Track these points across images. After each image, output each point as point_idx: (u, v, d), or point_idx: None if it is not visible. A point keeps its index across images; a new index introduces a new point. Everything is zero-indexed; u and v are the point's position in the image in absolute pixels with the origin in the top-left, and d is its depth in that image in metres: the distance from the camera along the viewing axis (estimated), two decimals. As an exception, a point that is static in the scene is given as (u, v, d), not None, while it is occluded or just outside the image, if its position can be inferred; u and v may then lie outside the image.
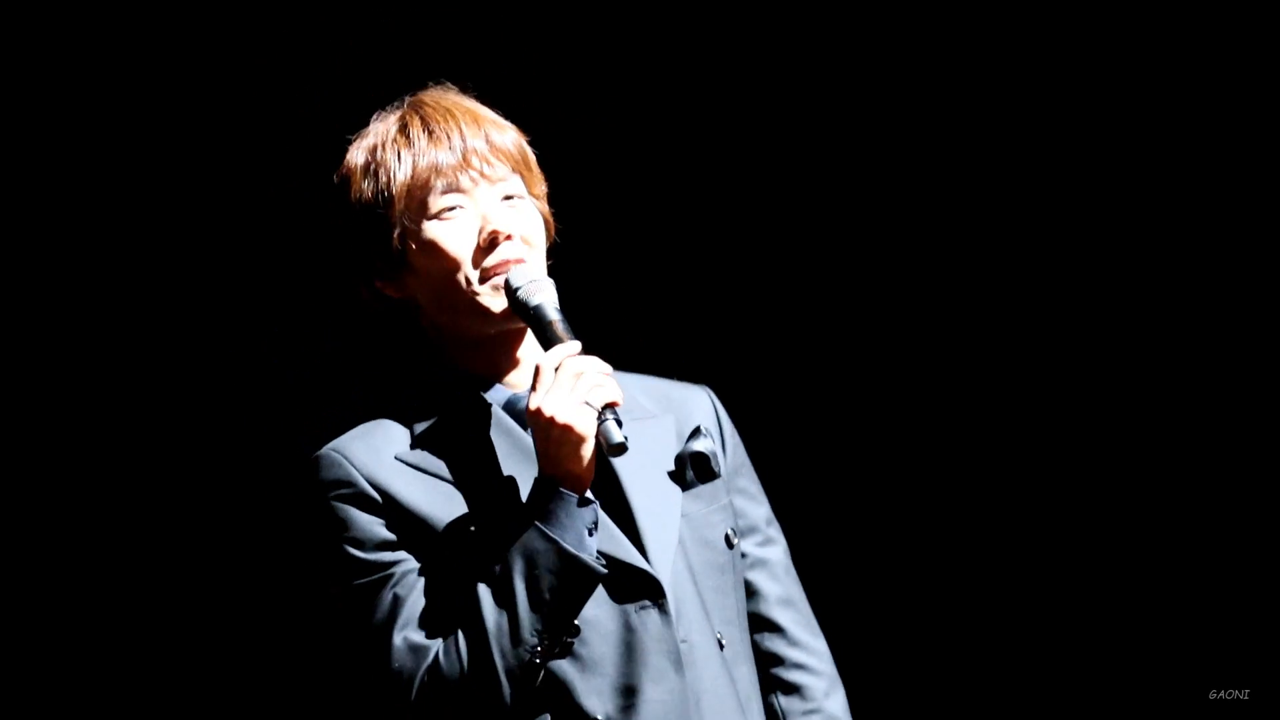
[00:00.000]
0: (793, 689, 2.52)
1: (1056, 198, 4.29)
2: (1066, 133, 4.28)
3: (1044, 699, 4.24)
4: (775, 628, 2.53)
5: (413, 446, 2.38)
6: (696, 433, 2.48)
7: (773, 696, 2.51)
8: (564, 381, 2.28)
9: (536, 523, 2.27)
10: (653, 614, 2.34)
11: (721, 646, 2.41)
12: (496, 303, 2.39)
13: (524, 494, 2.34)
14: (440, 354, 2.45)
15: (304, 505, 2.40)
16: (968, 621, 4.28)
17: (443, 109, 2.45)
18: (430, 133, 2.42)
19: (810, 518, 4.13)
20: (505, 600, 2.25)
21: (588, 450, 2.28)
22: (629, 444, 2.27)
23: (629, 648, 2.32)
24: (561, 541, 2.26)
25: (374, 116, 2.50)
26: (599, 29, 4.17)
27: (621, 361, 2.45)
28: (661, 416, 2.50)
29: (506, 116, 2.52)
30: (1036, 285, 4.30)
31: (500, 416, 2.40)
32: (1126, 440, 4.26)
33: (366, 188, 2.43)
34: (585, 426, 2.27)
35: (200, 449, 4.03)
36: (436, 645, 2.28)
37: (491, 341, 2.43)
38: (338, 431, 2.46)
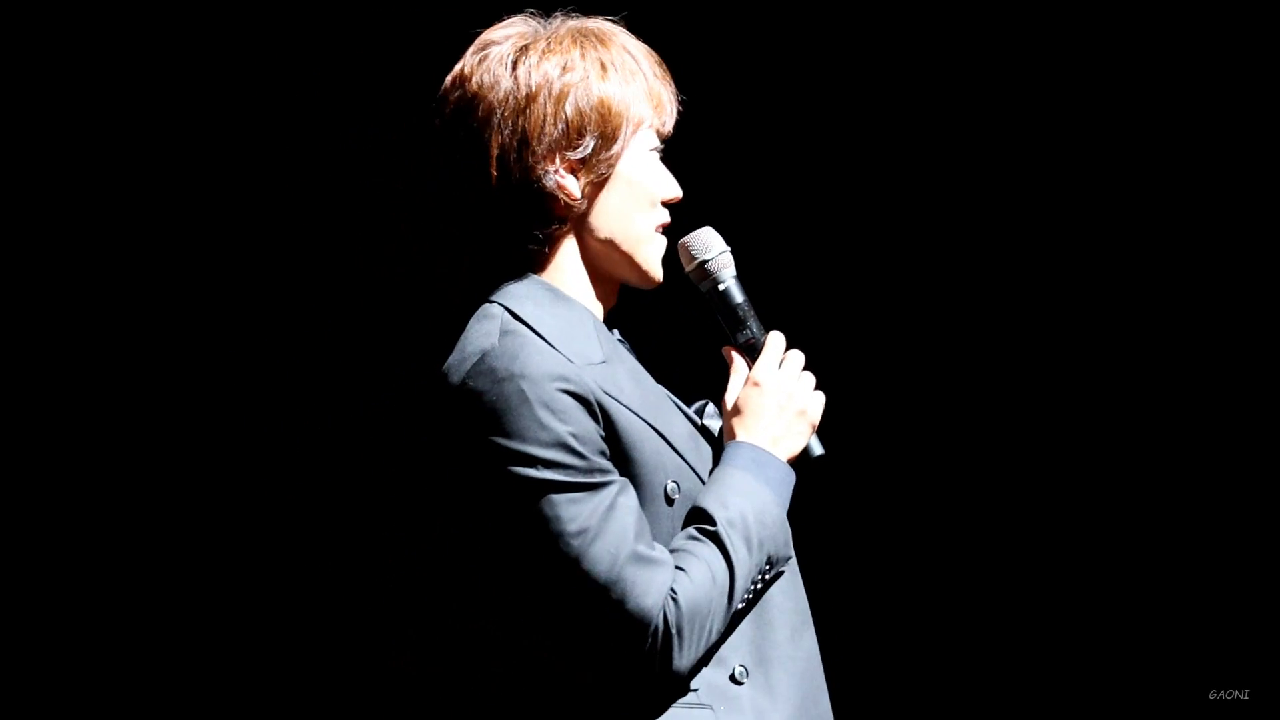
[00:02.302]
0: None
1: (1059, 198, 4.29)
2: (1073, 132, 4.28)
3: (1044, 699, 4.24)
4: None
5: (577, 366, 2.27)
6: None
7: None
8: (796, 369, 2.39)
9: (775, 495, 2.32)
10: (785, 574, 2.36)
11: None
12: (659, 259, 2.39)
13: (683, 434, 2.34)
14: (547, 265, 2.36)
15: (508, 394, 2.22)
16: (968, 621, 4.28)
17: (660, 66, 2.41)
18: (657, 77, 2.39)
19: (814, 516, 4.16)
20: (750, 549, 2.27)
21: (805, 441, 2.38)
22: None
23: (765, 603, 2.34)
24: (782, 510, 2.33)
25: (560, 14, 2.40)
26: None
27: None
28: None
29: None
30: (1037, 285, 4.30)
31: (623, 350, 2.39)
32: (1127, 440, 4.26)
33: (612, 81, 2.34)
34: (816, 421, 2.39)
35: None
36: (670, 563, 2.23)
37: (611, 282, 2.39)
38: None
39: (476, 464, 2.24)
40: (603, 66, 2.34)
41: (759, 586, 2.30)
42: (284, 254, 4.10)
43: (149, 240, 4.06)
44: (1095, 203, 4.28)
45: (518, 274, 2.35)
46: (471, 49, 2.37)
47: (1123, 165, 4.26)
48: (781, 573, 2.35)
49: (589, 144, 2.33)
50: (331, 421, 4.09)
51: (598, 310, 2.39)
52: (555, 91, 2.32)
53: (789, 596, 2.36)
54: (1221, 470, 4.21)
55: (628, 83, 2.35)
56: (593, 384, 2.26)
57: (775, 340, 2.41)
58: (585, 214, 2.36)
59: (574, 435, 2.22)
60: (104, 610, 4.00)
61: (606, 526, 2.21)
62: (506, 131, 2.31)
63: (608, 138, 2.33)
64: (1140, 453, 4.24)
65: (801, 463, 2.37)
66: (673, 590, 2.22)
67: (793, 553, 2.35)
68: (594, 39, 2.36)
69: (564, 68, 2.33)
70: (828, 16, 4.27)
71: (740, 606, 2.28)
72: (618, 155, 2.34)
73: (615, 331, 2.42)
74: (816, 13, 4.27)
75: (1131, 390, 4.26)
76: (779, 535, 2.32)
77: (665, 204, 2.40)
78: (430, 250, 4.04)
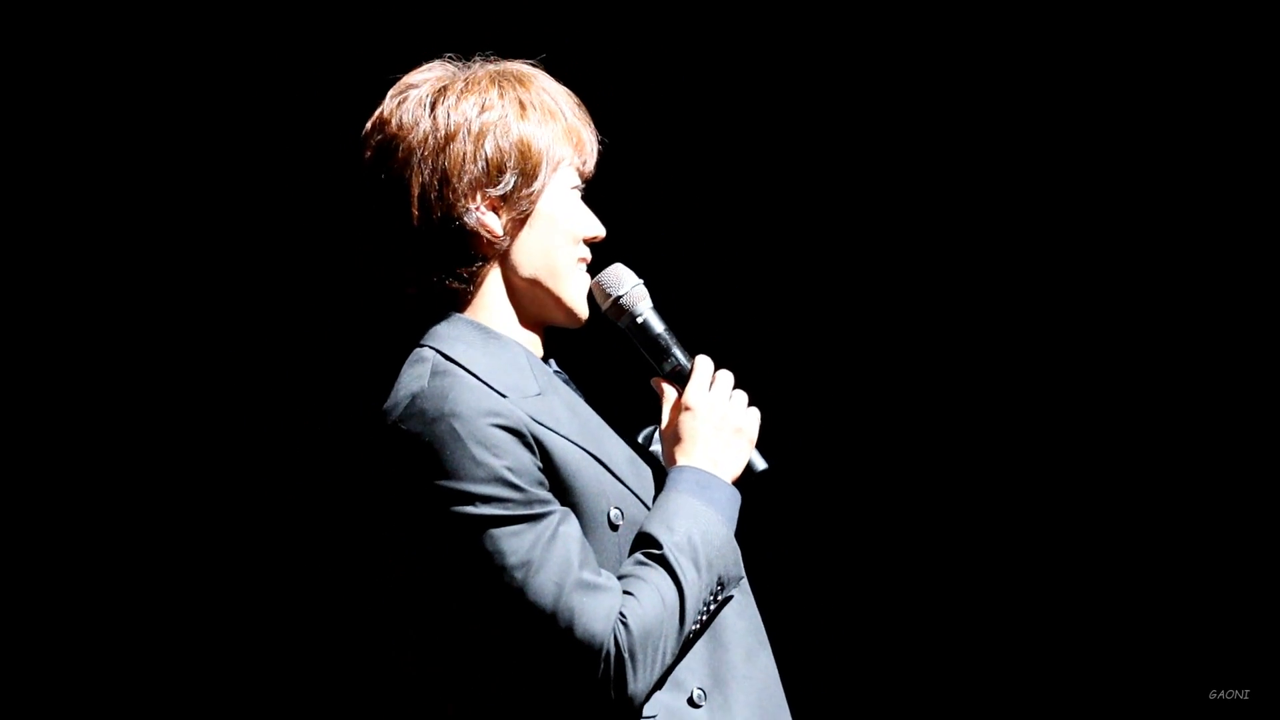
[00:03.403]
0: None
1: (1064, 199, 4.27)
2: (1068, 134, 4.26)
3: (1044, 699, 4.24)
4: None
5: (513, 404, 2.30)
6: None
7: None
8: (725, 390, 2.40)
9: (721, 515, 2.33)
10: (737, 595, 2.37)
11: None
12: (582, 297, 2.41)
13: (651, 475, 2.38)
14: (474, 304, 2.38)
15: (440, 433, 2.23)
16: (968, 621, 4.28)
17: (579, 106, 2.43)
18: (576, 116, 2.42)
19: (791, 529, 4.18)
20: (697, 569, 2.29)
21: (746, 459, 2.40)
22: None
23: (719, 625, 2.35)
24: (730, 532, 2.35)
25: (476, 59, 2.43)
26: (608, 28, 4.20)
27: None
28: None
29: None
30: (1038, 286, 4.29)
31: (560, 382, 2.42)
32: (1127, 440, 4.24)
33: (531, 120, 2.36)
34: (754, 438, 2.40)
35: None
36: (616, 589, 2.24)
37: (539, 319, 2.41)
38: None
39: (417, 506, 2.25)
40: (521, 106, 2.36)
41: (711, 608, 2.31)
42: (285, 255, 4.13)
43: (150, 243, 4.08)
44: (1089, 205, 4.26)
45: (445, 314, 2.37)
46: (391, 92, 2.40)
47: (1119, 166, 4.24)
48: (732, 595, 2.35)
49: (509, 181, 2.34)
50: (332, 422, 4.12)
51: (531, 344, 2.40)
52: (474, 130, 2.33)
53: (742, 617, 2.36)
54: (1221, 470, 4.19)
55: (546, 122, 2.37)
56: (526, 416, 2.27)
57: (702, 364, 2.42)
58: (508, 251, 2.37)
59: (509, 469, 2.23)
60: (104, 610, 4.03)
61: (549, 556, 2.22)
62: (427, 171, 2.33)
63: (528, 175, 2.35)
64: (1140, 453, 4.22)
65: (747, 480, 2.38)
66: (622, 615, 2.22)
67: (743, 572, 2.36)
68: (512, 80, 2.38)
69: (482, 107, 2.35)
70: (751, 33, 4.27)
71: (694, 628, 2.29)
72: (538, 192, 2.36)
73: (552, 363, 2.44)
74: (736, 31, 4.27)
75: (1130, 391, 4.24)
76: (728, 555, 2.32)
77: (587, 242, 2.42)
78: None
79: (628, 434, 2.46)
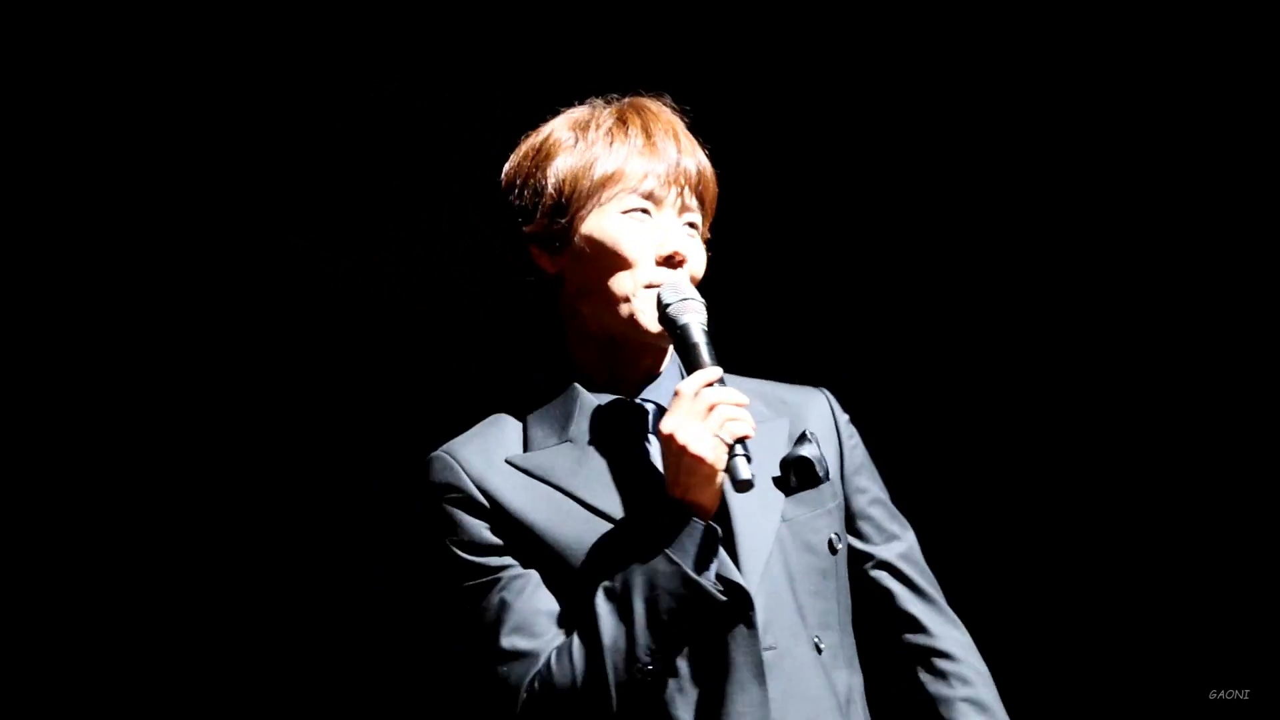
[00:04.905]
0: (940, 675, 2.59)
1: (1049, 209, 4.29)
2: (1069, 137, 4.27)
3: (1044, 699, 4.24)
4: (912, 623, 2.61)
5: (526, 449, 2.42)
6: (803, 438, 2.51)
7: (927, 685, 2.59)
8: (698, 411, 2.31)
9: (662, 546, 2.30)
10: (739, 626, 2.36)
11: (819, 651, 2.43)
12: (651, 315, 2.43)
13: (634, 508, 2.38)
14: (564, 343, 2.49)
15: (415, 507, 2.44)
16: (968, 621, 4.28)
17: (664, 121, 2.49)
18: (649, 135, 2.46)
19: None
20: (624, 617, 2.29)
21: (717, 481, 2.32)
22: (754, 480, 2.32)
23: (715, 657, 2.35)
24: (684, 567, 2.29)
25: (584, 103, 2.55)
26: (639, 29, 4.20)
27: (738, 365, 2.51)
28: (775, 420, 2.52)
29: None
30: (1040, 287, 4.30)
31: (618, 425, 2.44)
32: (1127, 441, 4.25)
33: (565, 160, 2.45)
34: (717, 459, 2.30)
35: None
36: (545, 652, 2.33)
37: (622, 347, 2.46)
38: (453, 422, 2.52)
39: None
40: (556, 146, 2.46)
41: (669, 641, 2.30)
42: (290, 259, 4.12)
43: (151, 246, 4.07)
44: (1090, 208, 4.27)
45: (553, 353, 2.51)
46: None
47: (1120, 167, 4.25)
48: (715, 617, 2.33)
49: (539, 221, 2.44)
50: (341, 427, 4.11)
51: (619, 375, 2.46)
52: (505, 182, 2.49)
53: (739, 649, 2.35)
54: (1221, 470, 4.21)
55: (585, 157, 2.44)
56: (487, 477, 2.40)
57: (684, 386, 2.35)
58: (570, 284, 2.46)
59: (455, 542, 2.40)
60: (103, 610, 4.02)
61: (484, 621, 2.37)
62: (503, 224, 2.51)
63: (557, 210, 2.43)
64: (1140, 453, 4.24)
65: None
66: (532, 682, 2.33)
67: (715, 598, 2.31)
68: (562, 125, 2.50)
69: (518, 156, 2.49)
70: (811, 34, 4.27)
71: (646, 669, 2.30)
72: (572, 223, 2.43)
73: (648, 401, 2.46)
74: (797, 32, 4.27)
75: (1131, 391, 4.26)
76: (679, 589, 2.29)
77: (660, 262, 2.43)
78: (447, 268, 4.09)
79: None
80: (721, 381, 2.34)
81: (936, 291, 4.33)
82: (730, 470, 2.30)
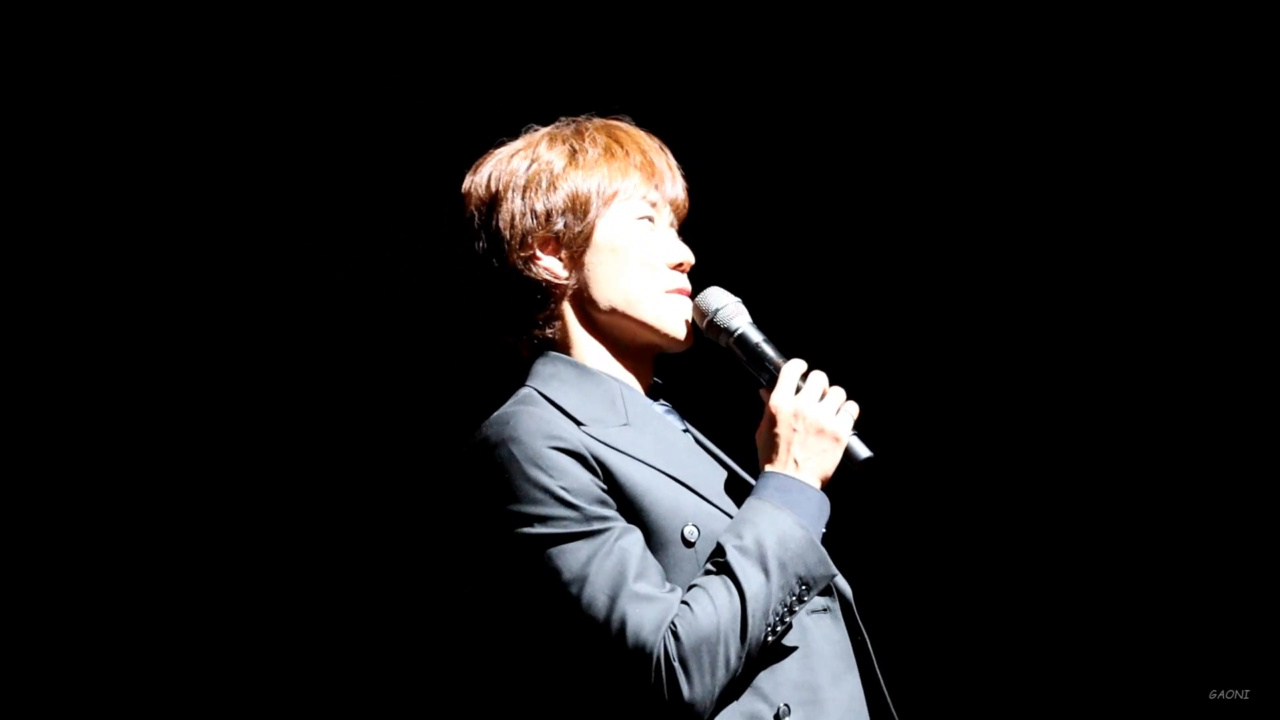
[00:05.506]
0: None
1: (1057, 207, 4.29)
2: (1071, 137, 4.27)
3: (1044, 699, 4.25)
4: None
5: (587, 431, 2.38)
6: None
7: None
8: (813, 393, 2.40)
9: (793, 515, 2.33)
10: (826, 617, 2.39)
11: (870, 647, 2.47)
12: (675, 318, 2.47)
13: (730, 483, 2.42)
14: (567, 345, 2.49)
15: (498, 455, 2.32)
16: (968, 621, 4.29)
17: (648, 137, 2.53)
18: (644, 151, 2.51)
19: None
20: (766, 570, 2.29)
21: (838, 456, 2.39)
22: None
23: (807, 645, 2.36)
24: (810, 533, 2.34)
25: (558, 121, 2.54)
26: (641, 30, 4.20)
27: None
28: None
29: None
30: (1040, 287, 4.30)
31: (660, 414, 2.47)
32: (1127, 441, 4.25)
33: (576, 168, 2.47)
34: (845, 435, 2.39)
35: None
36: (671, 600, 2.28)
37: (635, 348, 2.50)
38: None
39: (484, 527, 2.35)
40: (572, 152, 2.48)
41: (792, 608, 2.32)
42: (294, 261, 4.12)
43: (152, 247, 4.07)
44: (1094, 208, 4.27)
45: (545, 354, 2.48)
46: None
47: (1122, 168, 4.25)
48: (828, 595, 2.38)
49: (559, 222, 2.46)
50: (341, 427, 4.12)
51: (631, 376, 2.49)
52: (520, 184, 2.48)
53: (829, 641, 2.38)
54: (1221, 470, 4.21)
55: (600, 161, 2.47)
56: (591, 440, 2.35)
57: (789, 369, 2.44)
58: (579, 288, 2.48)
59: (564, 488, 2.31)
60: (103, 609, 4.02)
61: (603, 570, 2.29)
62: (484, 235, 2.50)
63: (577, 212, 2.46)
64: (1140, 453, 4.24)
65: (849, 472, 2.39)
66: (672, 624, 2.27)
67: (833, 571, 2.36)
68: (570, 133, 2.51)
69: (530, 160, 2.49)
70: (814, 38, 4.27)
71: (768, 632, 2.31)
72: (591, 226, 2.46)
73: (661, 403, 2.52)
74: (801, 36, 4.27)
75: (1131, 391, 4.26)
76: (808, 555, 2.33)
77: (675, 268, 2.48)
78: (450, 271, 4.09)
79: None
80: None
81: (937, 292, 4.33)
82: (851, 449, 2.40)
